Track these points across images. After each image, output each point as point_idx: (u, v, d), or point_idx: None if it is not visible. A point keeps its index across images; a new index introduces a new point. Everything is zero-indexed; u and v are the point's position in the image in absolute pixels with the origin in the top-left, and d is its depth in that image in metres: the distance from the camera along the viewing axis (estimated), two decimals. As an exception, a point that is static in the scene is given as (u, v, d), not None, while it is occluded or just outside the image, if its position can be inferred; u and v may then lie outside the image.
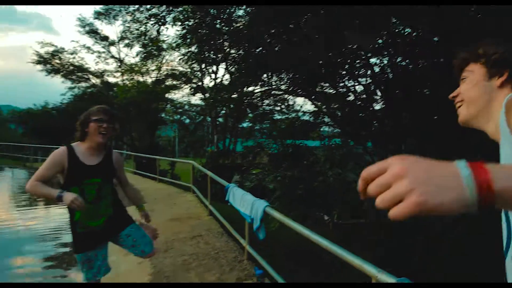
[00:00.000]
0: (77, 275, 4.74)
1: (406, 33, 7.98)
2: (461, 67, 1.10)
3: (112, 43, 22.74)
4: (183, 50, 16.51)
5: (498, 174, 0.53)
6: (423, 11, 5.92)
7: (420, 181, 0.52)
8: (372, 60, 8.94)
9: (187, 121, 33.51)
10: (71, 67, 22.95)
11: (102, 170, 2.52)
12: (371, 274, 2.01)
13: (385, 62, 8.88)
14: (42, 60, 22.11)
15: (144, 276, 3.78)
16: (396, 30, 8.08)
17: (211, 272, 3.97)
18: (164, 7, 7.96)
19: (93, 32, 22.62)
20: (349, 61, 8.85)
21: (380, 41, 8.22)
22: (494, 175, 0.52)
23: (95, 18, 22.00)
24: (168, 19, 8.50)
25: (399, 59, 8.59)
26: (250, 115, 21.93)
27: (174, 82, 20.86)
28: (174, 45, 18.13)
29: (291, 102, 16.38)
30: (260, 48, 9.36)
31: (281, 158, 8.18)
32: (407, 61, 8.32)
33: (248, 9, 8.25)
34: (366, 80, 10.25)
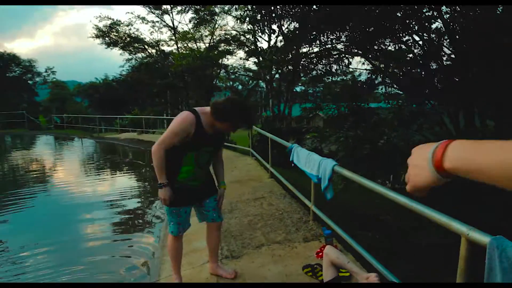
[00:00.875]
0: (140, 239, 5.04)
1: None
2: None
3: (165, 12, 22.98)
4: (236, 13, 16.26)
5: (453, 153, 0.61)
6: None
7: (411, 166, 0.70)
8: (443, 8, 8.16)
9: (240, 87, 33.63)
10: (128, 39, 23.64)
11: (216, 140, 2.65)
12: (460, 232, 1.85)
13: (457, 10, 8.09)
14: (101, 34, 22.96)
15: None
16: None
17: (277, 232, 3.99)
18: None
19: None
20: (411, 12, 8.14)
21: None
22: (448, 155, 0.61)
23: (147, -13, 22.20)
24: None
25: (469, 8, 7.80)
26: (303, 78, 21.46)
27: (228, 47, 20.80)
28: (227, 8, 17.93)
29: (347, 62, 15.72)
30: (318, 5, 8.94)
31: (342, 119, 7.91)
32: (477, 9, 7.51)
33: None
34: (430, 35, 9.50)
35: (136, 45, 24.38)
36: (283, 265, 3.16)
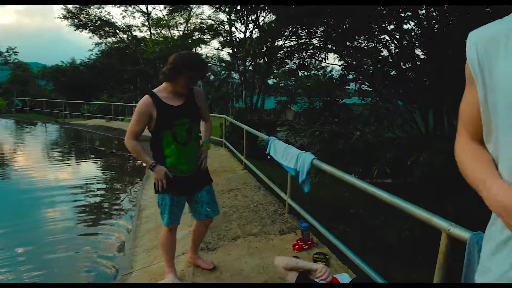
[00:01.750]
0: (108, 231, 4.87)
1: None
2: None
3: (139, -4, 22.30)
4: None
5: None
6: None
7: None
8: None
9: (212, 77, 33.26)
10: (98, 22, 22.79)
11: (189, 109, 2.53)
12: (442, 228, 1.87)
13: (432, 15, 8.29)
14: (70, 15, 22.00)
15: (186, 228, 3.80)
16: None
17: (252, 224, 3.96)
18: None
19: (119, -15, 22.17)
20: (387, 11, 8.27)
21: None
22: None
23: (121, -31, 21.47)
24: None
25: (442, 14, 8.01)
26: (276, 71, 21.46)
27: (203, 36, 20.47)
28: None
29: (322, 58, 15.84)
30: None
31: (316, 113, 7.96)
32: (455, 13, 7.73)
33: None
34: (404, 35, 9.70)
35: (107, 29, 23.58)
36: (260, 257, 3.13)
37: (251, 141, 7.45)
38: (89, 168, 9.18)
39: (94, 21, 22.51)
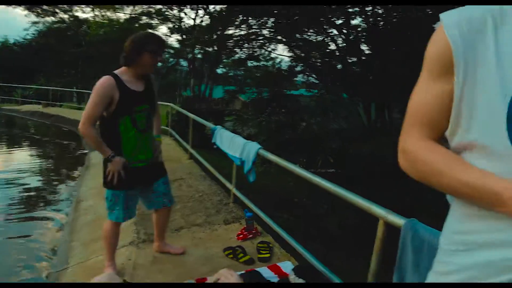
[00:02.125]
0: (42, 223, 4.57)
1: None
2: None
3: (81, -26, 20.91)
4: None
5: None
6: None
7: None
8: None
9: (159, 64, 32.22)
10: (34, -2, 21.12)
11: (148, 96, 2.45)
12: (379, 215, 1.93)
13: (379, 11, 8.60)
14: (1, -12, 20.16)
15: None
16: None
17: (197, 214, 3.89)
18: None
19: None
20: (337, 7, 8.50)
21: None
22: None
23: None
24: None
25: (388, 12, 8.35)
26: (226, 60, 21.28)
27: (150, 21, 19.67)
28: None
29: (271, 48, 15.94)
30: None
31: (264, 103, 7.99)
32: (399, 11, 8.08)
33: None
34: (350, 30, 10.00)
35: (45, 7, 21.88)
36: (204, 248, 3.08)
37: (198, 130, 7.30)
38: (23, 158, 8.54)
39: (29, -3, 20.83)
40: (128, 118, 2.31)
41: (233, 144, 3.99)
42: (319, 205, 5.11)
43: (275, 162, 3.08)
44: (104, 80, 2.25)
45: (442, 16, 0.78)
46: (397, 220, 1.85)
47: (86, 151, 8.61)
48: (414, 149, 0.84)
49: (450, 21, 0.76)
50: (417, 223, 1.77)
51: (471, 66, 0.73)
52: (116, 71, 2.34)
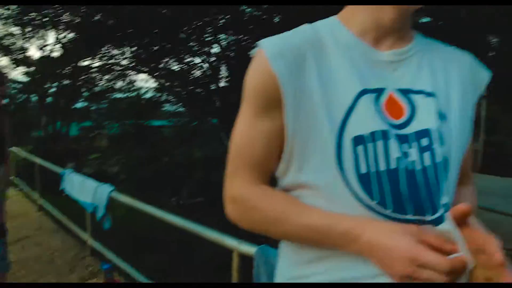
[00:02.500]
0: None
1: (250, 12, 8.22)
2: None
3: None
4: None
5: None
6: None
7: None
8: (221, 36, 8.96)
9: (6, 100, 28.22)
10: None
11: None
12: (232, 247, 1.91)
13: (232, 39, 9.00)
14: None
15: None
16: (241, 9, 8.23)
17: (46, 278, 3.32)
18: None
19: None
20: (195, 36, 8.65)
21: (225, 18, 8.26)
22: None
23: None
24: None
25: (244, 37, 8.82)
26: (86, 93, 19.71)
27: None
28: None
29: (132, 79, 15.37)
30: (101, 15, 8.32)
31: (124, 139, 7.53)
32: (249, 40, 8.60)
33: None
34: (208, 58, 10.29)
35: None
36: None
37: (52, 175, 6.45)
38: None
39: None
40: None
41: (84, 188, 3.58)
42: (183, 239, 4.92)
43: (128, 204, 2.83)
44: None
45: (262, 44, 0.70)
46: (250, 248, 1.84)
47: None
48: (245, 196, 0.74)
49: (273, 50, 0.68)
50: (268, 249, 1.78)
51: (298, 98, 0.67)
52: None
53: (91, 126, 12.10)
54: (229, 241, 1.92)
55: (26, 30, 14.44)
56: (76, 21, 9.30)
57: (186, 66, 10.82)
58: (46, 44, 15.30)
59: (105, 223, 3.18)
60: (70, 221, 4.39)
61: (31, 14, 10.46)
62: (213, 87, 10.56)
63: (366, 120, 0.65)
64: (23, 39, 15.91)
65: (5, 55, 17.19)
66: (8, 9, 11.04)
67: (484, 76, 0.79)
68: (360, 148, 0.64)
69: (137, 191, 4.17)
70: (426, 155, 0.66)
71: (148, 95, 13.30)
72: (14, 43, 16.28)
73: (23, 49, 16.38)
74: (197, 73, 10.67)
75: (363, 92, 0.66)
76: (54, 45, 14.93)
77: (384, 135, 0.65)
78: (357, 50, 0.70)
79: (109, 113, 16.00)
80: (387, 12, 0.70)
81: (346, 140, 0.64)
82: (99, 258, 3.59)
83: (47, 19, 10.39)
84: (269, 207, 0.71)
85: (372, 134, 0.65)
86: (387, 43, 0.72)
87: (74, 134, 16.68)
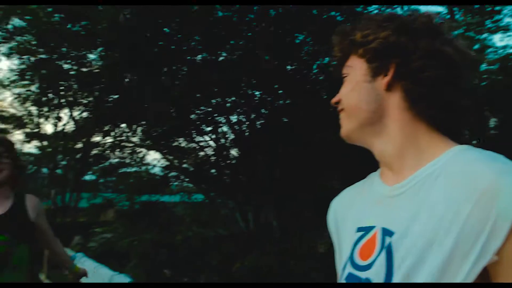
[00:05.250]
0: None
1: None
2: (341, 61, 0.79)
3: None
4: (17, 90, 14.36)
5: None
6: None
7: None
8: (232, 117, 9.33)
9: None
10: None
11: (10, 222, 1.81)
12: None
13: (242, 119, 9.32)
14: None
15: None
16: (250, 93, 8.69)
17: None
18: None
19: None
20: (209, 118, 9.01)
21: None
22: None
23: None
24: (2, 49, 7.19)
25: (252, 116, 9.15)
26: (95, 167, 19.97)
27: (3, 125, 17.64)
28: (6, 82, 15.57)
29: (141, 155, 15.66)
30: (114, 97, 8.74)
31: (134, 216, 7.42)
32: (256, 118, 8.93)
33: (102, 53, 7.64)
34: (218, 137, 10.56)
35: None
36: None
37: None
38: None
39: None
40: None
41: (98, 276, 3.43)
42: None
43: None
44: None
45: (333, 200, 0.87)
46: None
47: None
48: None
49: (332, 204, 0.86)
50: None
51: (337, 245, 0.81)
52: None
53: (99, 204, 11.98)
54: None
55: (43, 109, 15.17)
56: (89, 100, 9.75)
57: (196, 145, 11.08)
58: (59, 120, 15.93)
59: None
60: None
61: (49, 95, 11.03)
62: (222, 164, 10.68)
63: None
64: (38, 116, 16.62)
65: (20, 129, 17.81)
66: (29, 90, 11.71)
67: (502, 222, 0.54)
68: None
69: (153, 275, 3.98)
70: None
71: (157, 170, 13.42)
72: (32, 121, 16.98)
73: (38, 125, 17.03)
74: (208, 151, 10.88)
75: (358, 229, 0.73)
76: (67, 122, 15.54)
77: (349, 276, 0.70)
78: (374, 186, 0.76)
79: (117, 187, 16.01)
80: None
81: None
82: None
83: (65, 100, 10.94)
84: None
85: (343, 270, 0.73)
86: (390, 175, 0.73)
87: (83, 206, 16.59)
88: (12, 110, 17.73)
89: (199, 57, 7.52)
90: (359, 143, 0.77)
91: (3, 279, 1.77)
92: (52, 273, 4.54)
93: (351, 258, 0.71)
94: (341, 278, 0.72)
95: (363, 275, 0.65)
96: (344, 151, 6.40)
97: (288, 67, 7.57)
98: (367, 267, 0.65)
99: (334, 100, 0.79)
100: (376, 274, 0.63)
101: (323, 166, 7.16)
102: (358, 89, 0.73)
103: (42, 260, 2.37)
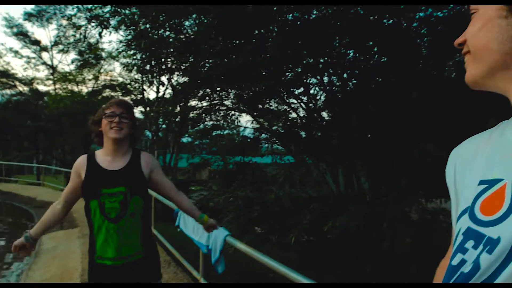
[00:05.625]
0: None
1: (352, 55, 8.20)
2: None
3: (44, 48, 21.03)
4: (124, 60, 15.71)
5: None
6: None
7: None
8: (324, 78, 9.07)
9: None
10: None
11: (128, 176, 1.98)
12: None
13: (335, 81, 9.03)
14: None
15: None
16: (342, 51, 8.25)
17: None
18: (108, 7, 7.30)
19: (22, 35, 20.71)
20: (301, 79, 8.87)
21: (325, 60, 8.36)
22: None
23: (25, 19, 20.19)
24: (112, 22, 7.83)
25: (345, 76, 8.79)
26: (191, 130, 21.40)
27: (113, 94, 19.73)
28: (114, 53, 17.18)
29: (234, 119, 16.25)
30: (208, 61, 9.06)
31: (229, 176, 7.84)
32: (353, 81, 8.52)
33: (197, 20, 7.91)
34: (309, 98, 10.39)
35: (5, 80, 21.52)
36: None
37: (163, 206, 6.95)
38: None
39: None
40: (96, 202, 1.92)
41: (198, 228, 3.74)
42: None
43: (245, 252, 2.84)
44: (79, 157, 2.09)
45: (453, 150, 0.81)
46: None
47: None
48: None
49: (452, 153, 0.80)
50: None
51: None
52: (97, 150, 2.10)
53: (197, 163, 12.81)
54: None
55: (145, 77, 16.42)
56: (186, 68, 10.21)
57: (287, 107, 11.10)
58: (162, 85, 17.14)
59: (219, 267, 3.24)
60: (182, 256, 4.59)
61: (153, 63, 11.82)
62: (313, 126, 10.60)
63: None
64: (142, 83, 18.09)
65: (127, 96, 19.67)
66: (135, 58, 12.71)
67: None
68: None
69: (247, 230, 4.21)
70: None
71: (247, 132, 13.87)
72: (137, 88, 18.58)
73: (142, 92, 18.60)
74: (299, 113, 10.85)
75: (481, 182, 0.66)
76: (166, 88, 16.66)
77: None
78: (506, 136, 0.66)
79: (210, 149, 16.99)
80: None
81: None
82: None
83: (165, 67, 11.67)
84: None
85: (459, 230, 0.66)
86: None
87: (183, 165, 18.03)
88: (120, 79, 19.65)
89: (289, 16, 7.34)
90: (488, 89, 0.68)
91: (123, 221, 1.94)
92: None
93: (471, 213, 0.64)
94: (458, 233, 0.65)
95: (485, 231, 0.59)
96: (443, 112, 5.88)
97: (384, 21, 7.02)
98: (492, 223, 0.59)
99: (458, 40, 0.70)
100: (502, 232, 0.57)
101: (419, 129, 6.69)
102: (489, 26, 0.63)
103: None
